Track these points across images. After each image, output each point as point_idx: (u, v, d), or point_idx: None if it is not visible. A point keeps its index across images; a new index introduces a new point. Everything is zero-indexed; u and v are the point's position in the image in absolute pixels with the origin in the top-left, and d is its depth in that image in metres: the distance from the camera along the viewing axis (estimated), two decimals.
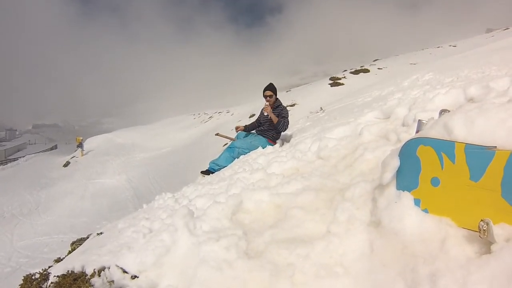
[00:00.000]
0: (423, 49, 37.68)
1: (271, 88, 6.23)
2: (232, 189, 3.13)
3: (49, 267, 5.31)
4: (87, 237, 6.33)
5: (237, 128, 6.87)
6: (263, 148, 5.47)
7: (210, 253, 2.02)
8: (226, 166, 5.60)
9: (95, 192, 20.49)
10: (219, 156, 6.08)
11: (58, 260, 5.05)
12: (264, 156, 4.36)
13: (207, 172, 5.94)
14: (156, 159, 26.32)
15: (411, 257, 1.52)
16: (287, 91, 29.62)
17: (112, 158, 30.70)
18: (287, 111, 6.19)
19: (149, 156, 28.59)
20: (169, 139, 33.43)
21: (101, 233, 4.93)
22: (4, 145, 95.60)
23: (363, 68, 27.35)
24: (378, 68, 26.86)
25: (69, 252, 5.62)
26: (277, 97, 6.39)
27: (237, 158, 5.68)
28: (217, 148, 18.79)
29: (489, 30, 48.29)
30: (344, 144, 3.54)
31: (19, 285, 3.58)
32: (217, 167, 5.90)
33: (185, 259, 2.14)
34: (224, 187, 3.42)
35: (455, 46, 33.42)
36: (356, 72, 26.12)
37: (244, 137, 6.36)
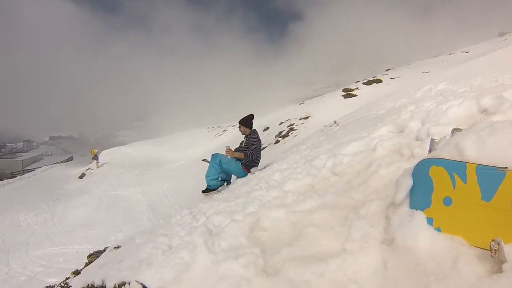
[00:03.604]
0: (435, 57, 37.45)
1: (239, 122, 6.95)
2: (249, 207, 3.19)
3: (67, 278, 5.36)
4: (104, 250, 6.41)
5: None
6: (235, 173, 6.17)
7: (229, 270, 2.07)
8: (220, 177, 6.13)
9: (110, 204, 20.67)
10: (208, 169, 6.32)
11: (77, 272, 5.11)
12: (280, 172, 4.42)
13: (207, 191, 6.10)
14: (170, 172, 26.51)
15: (424, 275, 1.55)
16: (300, 104, 29.70)
17: (127, 171, 31.04)
18: (254, 138, 6.65)
19: (164, 169, 28.79)
20: (184, 152, 33.60)
21: (118, 246, 5.00)
22: (21, 156, 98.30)
23: (375, 78, 27.37)
24: (391, 78, 26.85)
25: (86, 264, 5.68)
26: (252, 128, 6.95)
27: (220, 164, 6.23)
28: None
29: (501, 34, 47.83)
30: (359, 160, 3.58)
31: None
32: (214, 182, 6.21)
33: (204, 276, 2.19)
34: (241, 204, 3.48)
35: (467, 52, 33.22)
36: (369, 82, 26.16)
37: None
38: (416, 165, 1.78)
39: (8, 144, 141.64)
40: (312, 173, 3.69)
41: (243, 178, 5.98)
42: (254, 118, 7.03)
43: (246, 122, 6.84)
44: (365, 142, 4.18)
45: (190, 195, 15.63)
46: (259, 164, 6.61)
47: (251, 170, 6.31)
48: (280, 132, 20.53)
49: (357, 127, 6.90)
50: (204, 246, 2.41)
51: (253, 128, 6.90)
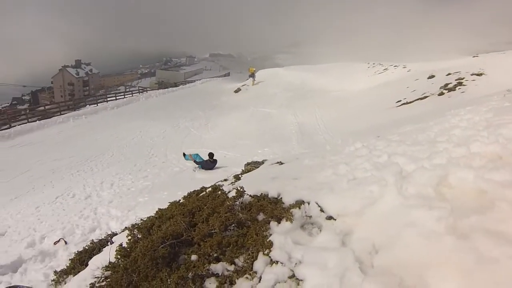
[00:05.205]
0: None
1: (211, 154, 12.89)
2: (436, 157, 3.04)
3: (225, 180, 5.81)
4: (262, 162, 6.87)
5: None
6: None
7: (421, 219, 2.05)
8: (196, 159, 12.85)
9: (260, 119, 22.03)
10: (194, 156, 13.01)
11: (237, 177, 5.38)
12: (460, 130, 4.00)
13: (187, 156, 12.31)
14: (326, 101, 26.28)
15: None
16: (473, 56, 25.79)
17: (280, 92, 32.22)
18: (203, 162, 12.81)
19: (319, 97, 28.78)
20: (340, 83, 31.91)
21: (281, 162, 5.20)
22: (184, 69, 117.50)
23: None
24: None
25: (244, 172, 6.11)
26: None
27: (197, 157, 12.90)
28: (386, 103, 18.14)
29: None
30: None
31: (209, 191, 3.93)
32: (189, 159, 13.19)
33: (389, 216, 2.23)
34: (425, 152, 3.33)
35: None
36: None
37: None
38: None
39: (173, 59, 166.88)
40: (500, 141, 3.17)
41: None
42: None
43: (210, 155, 12.59)
44: None
45: (345, 130, 15.51)
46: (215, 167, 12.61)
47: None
48: (446, 84, 18.46)
49: None
50: (394, 186, 2.45)
51: (213, 158, 12.57)
